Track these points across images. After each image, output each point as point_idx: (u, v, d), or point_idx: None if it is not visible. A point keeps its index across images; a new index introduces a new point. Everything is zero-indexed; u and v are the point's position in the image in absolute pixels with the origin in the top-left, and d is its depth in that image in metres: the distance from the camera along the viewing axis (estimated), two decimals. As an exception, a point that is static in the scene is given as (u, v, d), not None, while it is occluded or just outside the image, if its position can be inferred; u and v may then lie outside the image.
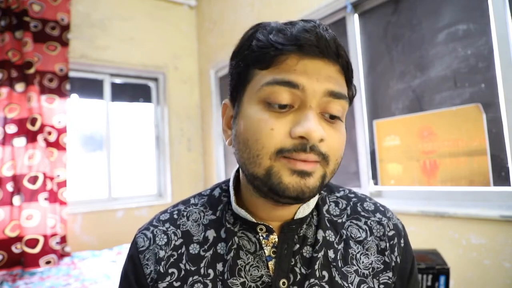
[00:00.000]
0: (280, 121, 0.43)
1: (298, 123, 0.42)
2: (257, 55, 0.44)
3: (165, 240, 0.51)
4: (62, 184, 2.38)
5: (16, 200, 2.18)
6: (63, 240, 2.34)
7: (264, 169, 0.42)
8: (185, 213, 0.54)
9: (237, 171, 0.55)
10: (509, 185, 1.30)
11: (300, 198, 0.43)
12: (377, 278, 0.50)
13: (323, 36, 0.42)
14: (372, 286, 0.49)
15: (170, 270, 0.49)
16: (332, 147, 0.44)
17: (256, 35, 0.46)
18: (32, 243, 2.13)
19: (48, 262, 2.13)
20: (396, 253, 0.52)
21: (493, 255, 1.27)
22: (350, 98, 0.49)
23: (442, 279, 1.06)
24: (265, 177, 0.43)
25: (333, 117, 0.45)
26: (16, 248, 2.14)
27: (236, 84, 0.48)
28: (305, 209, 0.50)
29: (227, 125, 0.51)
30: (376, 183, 1.79)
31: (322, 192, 0.56)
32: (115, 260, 2.08)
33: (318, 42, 0.42)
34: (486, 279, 1.28)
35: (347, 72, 0.46)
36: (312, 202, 0.52)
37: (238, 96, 0.48)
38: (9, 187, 2.18)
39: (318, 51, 0.42)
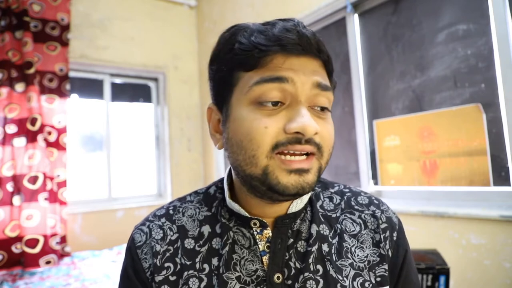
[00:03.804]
0: (273, 119, 0.43)
1: (292, 119, 0.43)
2: (241, 58, 0.45)
3: (161, 234, 0.52)
4: (62, 184, 2.38)
5: (16, 200, 2.18)
6: (63, 240, 2.34)
7: (261, 168, 0.43)
8: (180, 209, 0.55)
9: (231, 169, 0.56)
10: (509, 185, 1.30)
11: (300, 194, 0.44)
12: (373, 271, 0.50)
13: (304, 34, 0.44)
14: (368, 279, 0.49)
15: (166, 264, 0.50)
16: (325, 138, 0.45)
17: (237, 38, 0.46)
18: (32, 243, 2.13)
19: (48, 262, 2.13)
20: (387, 246, 0.52)
21: (493, 255, 1.27)
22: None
23: (442, 279, 1.06)
24: (263, 177, 0.43)
25: (322, 109, 0.46)
26: (16, 248, 2.14)
27: (220, 88, 0.49)
28: (298, 204, 0.51)
29: (214, 129, 0.52)
30: (376, 183, 1.79)
31: (316, 188, 0.57)
32: (115, 260, 2.08)
33: (300, 40, 0.44)
34: (486, 279, 1.28)
35: (328, 66, 0.48)
36: (305, 197, 0.52)
37: (225, 100, 0.48)
38: (9, 187, 2.18)
39: (301, 48, 0.44)
